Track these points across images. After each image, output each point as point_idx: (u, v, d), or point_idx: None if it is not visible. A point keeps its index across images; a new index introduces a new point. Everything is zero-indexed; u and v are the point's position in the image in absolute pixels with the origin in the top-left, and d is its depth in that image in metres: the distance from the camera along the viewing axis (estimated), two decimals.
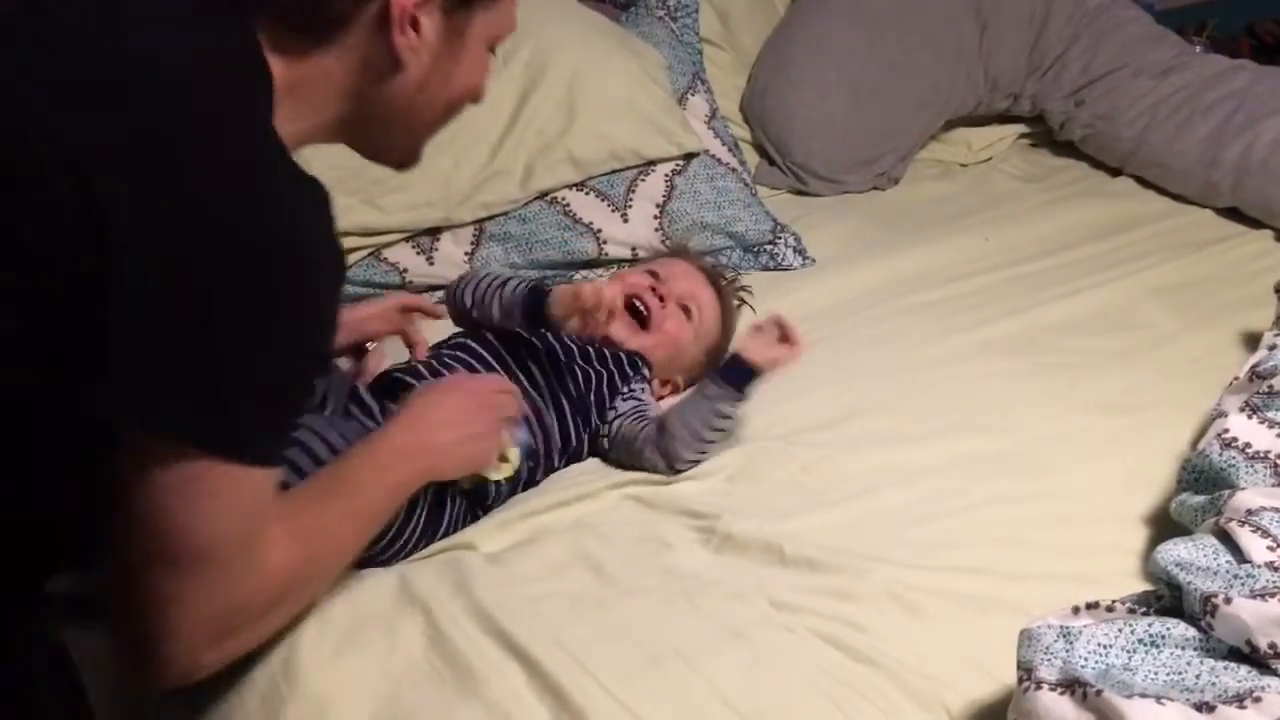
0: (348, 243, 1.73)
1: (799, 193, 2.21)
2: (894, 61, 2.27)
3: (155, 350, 0.85)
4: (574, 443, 1.41)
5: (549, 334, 1.45)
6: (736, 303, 1.63)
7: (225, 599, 0.94)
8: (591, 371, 1.44)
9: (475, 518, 1.30)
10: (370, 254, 1.77)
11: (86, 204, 0.82)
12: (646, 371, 1.50)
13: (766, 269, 1.93)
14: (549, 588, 1.20)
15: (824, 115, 2.22)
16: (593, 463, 1.42)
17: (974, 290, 1.85)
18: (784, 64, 2.26)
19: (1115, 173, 2.28)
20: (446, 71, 1.04)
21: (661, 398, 1.54)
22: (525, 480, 1.35)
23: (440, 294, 1.81)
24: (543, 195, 1.85)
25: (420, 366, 1.38)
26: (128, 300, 0.83)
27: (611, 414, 1.43)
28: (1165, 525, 1.27)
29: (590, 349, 1.46)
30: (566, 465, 1.41)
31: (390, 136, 1.09)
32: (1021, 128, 2.43)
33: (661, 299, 1.53)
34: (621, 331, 1.50)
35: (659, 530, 1.30)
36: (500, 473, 1.29)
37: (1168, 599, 1.03)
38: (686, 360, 1.56)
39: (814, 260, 1.95)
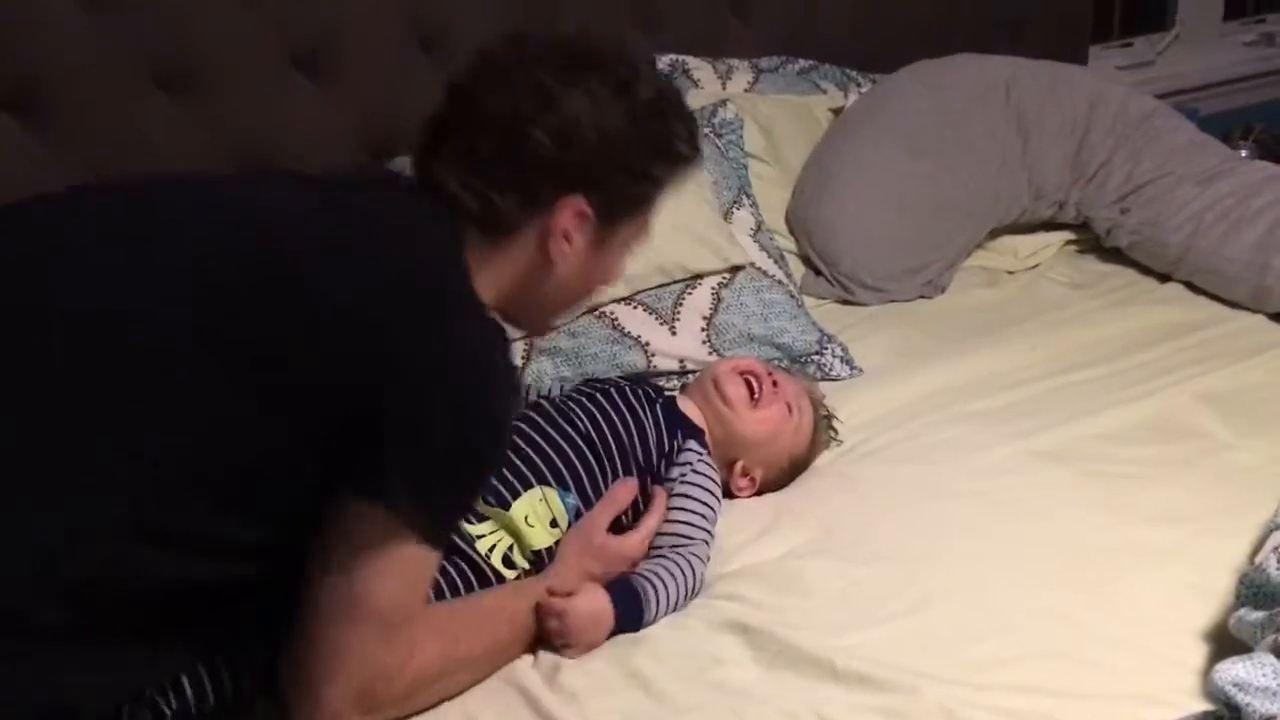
0: None
1: (845, 303, 2.22)
2: (937, 172, 2.30)
3: (396, 451, 1.09)
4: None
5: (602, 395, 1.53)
6: (827, 436, 1.68)
7: (382, 660, 1.12)
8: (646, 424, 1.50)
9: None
10: None
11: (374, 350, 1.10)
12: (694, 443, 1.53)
13: (814, 380, 1.94)
14: (601, 705, 1.20)
15: (869, 226, 2.25)
16: None
17: (1022, 399, 1.84)
18: (828, 176, 2.29)
19: (1164, 278, 2.27)
20: (588, 272, 1.31)
21: (739, 489, 1.59)
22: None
23: None
24: (591, 310, 1.88)
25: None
26: (385, 417, 1.08)
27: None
28: (1224, 640, 1.24)
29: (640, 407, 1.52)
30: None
31: (534, 316, 1.36)
32: (1068, 234, 2.43)
33: (775, 385, 1.60)
34: (738, 393, 1.58)
35: (708, 644, 1.29)
36: (550, 540, 1.37)
37: (1228, 719, 1.02)
38: (775, 454, 1.60)
39: (861, 370, 1.96)
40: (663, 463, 1.49)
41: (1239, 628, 1.22)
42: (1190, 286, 2.23)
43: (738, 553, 1.47)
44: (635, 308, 1.90)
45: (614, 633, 1.31)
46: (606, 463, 1.45)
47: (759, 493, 1.61)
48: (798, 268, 2.23)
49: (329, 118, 2.00)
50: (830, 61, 2.55)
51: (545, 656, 1.27)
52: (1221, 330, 2.06)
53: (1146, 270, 2.30)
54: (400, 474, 1.09)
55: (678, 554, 1.40)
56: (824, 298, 2.22)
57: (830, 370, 1.94)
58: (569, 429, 1.46)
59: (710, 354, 1.90)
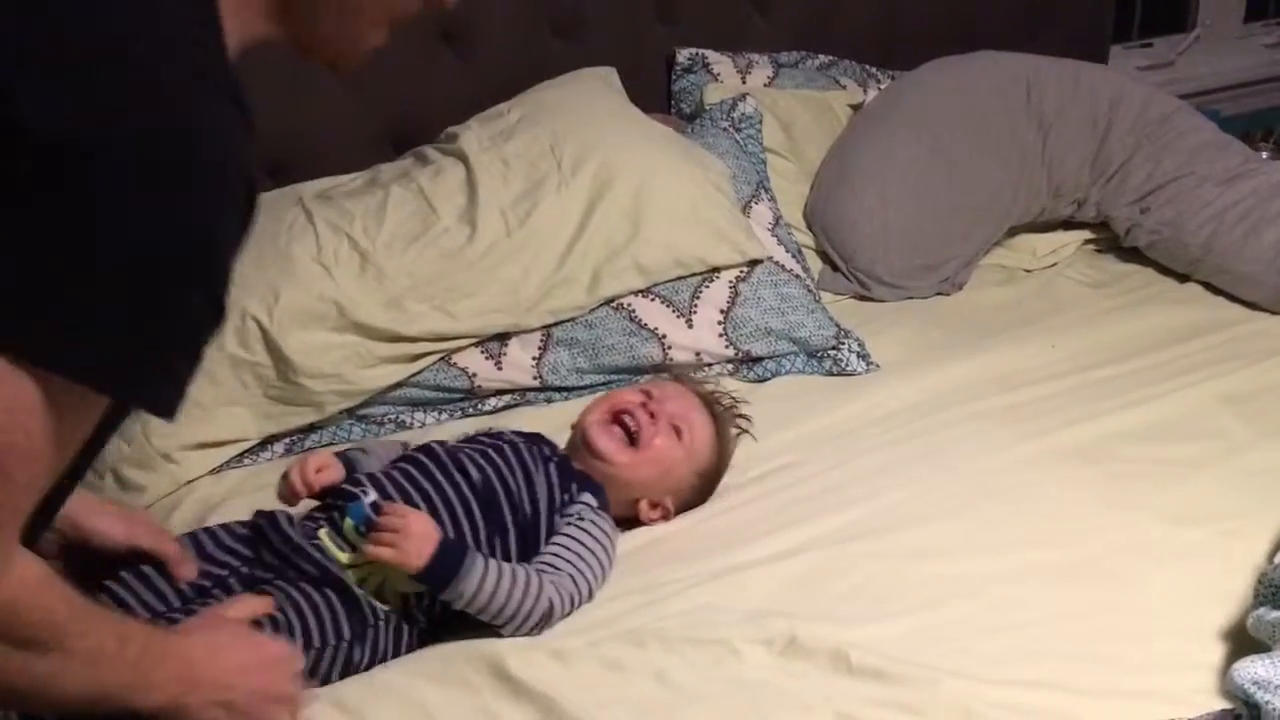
0: (419, 348, 1.77)
1: (862, 298, 2.22)
2: (956, 169, 2.30)
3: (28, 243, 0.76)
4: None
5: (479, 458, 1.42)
6: (736, 431, 1.61)
7: None
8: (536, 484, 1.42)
9: (411, 645, 1.30)
10: (440, 359, 1.80)
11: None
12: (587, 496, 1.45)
13: (831, 375, 1.94)
14: (614, 694, 1.20)
15: (887, 222, 2.24)
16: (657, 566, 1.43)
17: (1040, 397, 1.83)
18: (847, 172, 2.29)
19: (1183, 279, 2.26)
20: None
21: (651, 520, 1.52)
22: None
23: (506, 398, 1.85)
24: (609, 302, 1.88)
25: (365, 477, 1.38)
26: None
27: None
28: (1242, 640, 1.24)
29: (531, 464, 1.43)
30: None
31: (324, 22, 0.96)
32: (1087, 233, 2.42)
33: (652, 415, 1.51)
34: (609, 445, 1.49)
35: (723, 636, 1.29)
36: (414, 586, 1.28)
37: (1246, 718, 1.01)
38: (675, 481, 1.52)
39: (878, 366, 1.95)
40: (554, 517, 1.41)
41: (1258, 627, 1.22)
42: (1209, 287, 2.22)
43: (752, 546, 1.47)
44: (652, 300, 1.90)
45: (429, 570, 1.25)
46: (494, 513, 1.38)
47: (679, 512, 1.54)
48: (815, 263, 2.23)
49: (352, 110, 2.00)
50: (850, 57, 2.55)
51: (555, 644, 1.27)
52: (1241, 331, 2.06)
53: (1165, 270, 2.29)
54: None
55: (529, 566, 1.33)
56: (841, 293, 2.21)
57: (847, 365, 1.94)
58: (458, 476, 1.38)
59: (727, 347, 1.90)
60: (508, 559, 1.35)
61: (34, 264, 0.76)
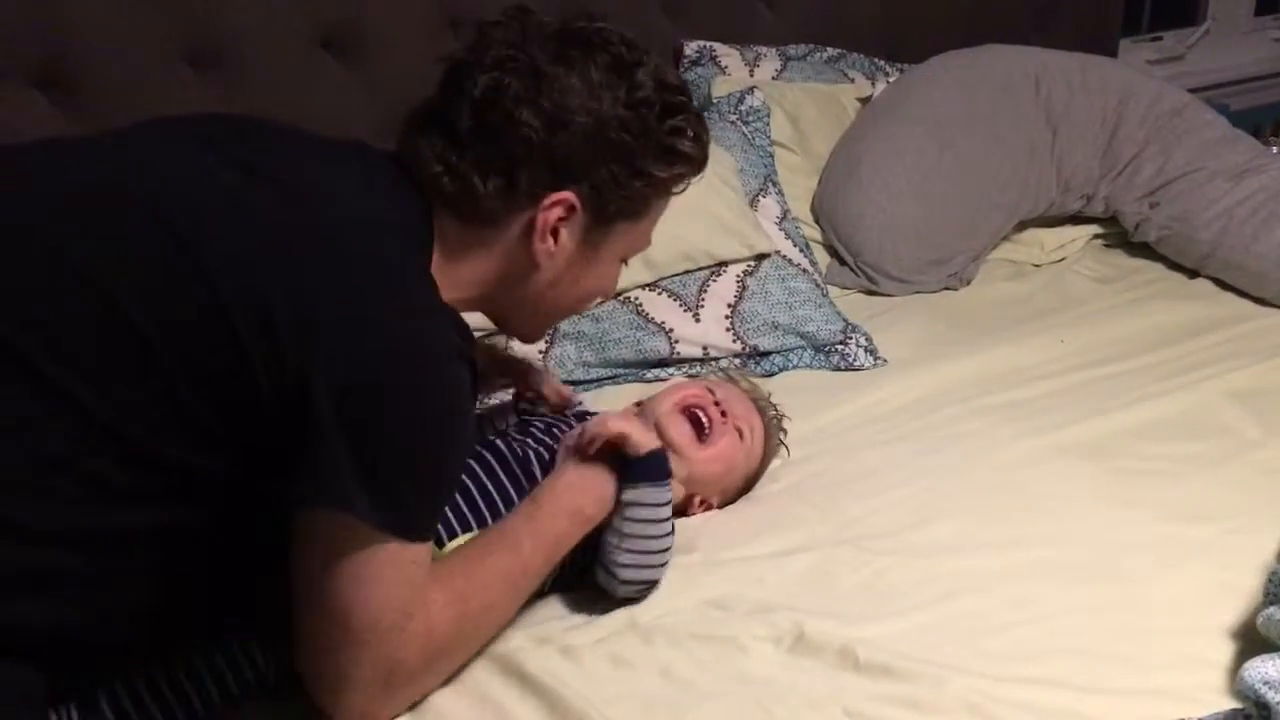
0: None
1: (870, 293, 2.21)
2: (965, 163, 2.29)
3: (343, 453, 1.02)
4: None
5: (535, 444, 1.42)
6: (776, 442, 1.59)
7: (390, 660, 1.09)
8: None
9: None
10: None
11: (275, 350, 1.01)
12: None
13: (838, 369, 1.93)
14: (620, 691, 1.20)
15: (895, 216, 2.23)
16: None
17: (1049, 393, 1.83)
18: (854, 166, 2.28)
19: (1193, 274, 2.26)
20: (578, 276, 1.22)
21: (694, 513, 1.50)
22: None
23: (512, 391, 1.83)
24: (616, 295, 1.87)
25: None
26: (320, 416, 1.01)
27: None
28: (1252, 639, 1.23)
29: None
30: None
31: (520, 319, 1.30)
32: (1096, 228, 2.42)
33: (724, 414, 1.49)
34: (681, 438, 1.45)
35: (729, 633, 1.29)
36: None
37: (1256, 718, 1.01)
38: (731, 481, 1.52)
39: (886, 360, 1.95)
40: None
41: (1267, 626, 1.21)
42: (1219, 283, 2.22)
43: (759, 542, 1.46)
44: (660, 294, 1.90)
45: (654, 457, 1.32)
46: None
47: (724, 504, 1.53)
48: (823, 257, 2.23)
49: (356, 98, 1.99)
50: (858, 50, 2.54)
51: (564, 643, 1.27)
52: (1251, 327, 2.05)
53: (1175, 265, 2.29)
54: (350, 474, 1.02)
55: None
56: (849, 288, 2.21)
57: (854, 360, 1.94)
58: (520, 473, 1.36)
59: (734, 341, 1.90)
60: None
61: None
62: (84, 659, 1.07)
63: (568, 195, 1.15)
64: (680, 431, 1.46)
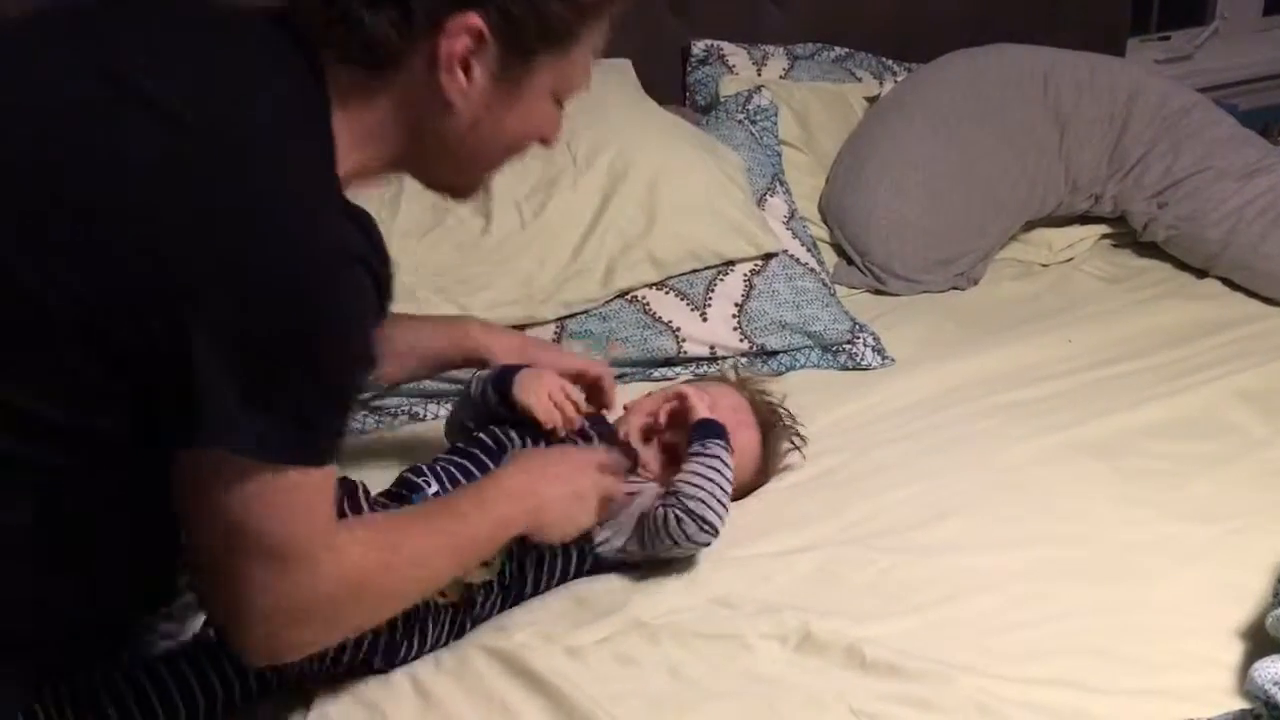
0: None
1: (878, 292, 2.21)
2: (972, 163, 2.28)
3: (227, 379, 0.93)
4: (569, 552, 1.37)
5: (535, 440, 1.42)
6: (788, 447, 1.58)
7: (299, 590, 1.02)
8: None
9: (462, 629, 1.29)
10: None
11: (163, 274, 0.92)
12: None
13: (845, 369, 1.93)
14: (626, 689, 1.20)
15: (902, 215, 2.23)
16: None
17: (1057, 392, 1.82)
18: (862, 165, 2.28)
19: (1201, 274, 2.25)
20: (500, 116, 1.07)
21: None
22: (515, 593, 1.33)
23: None
24: (623, 294, 1.87)
25: (425, 468, 1.37)
26: (205, 348, 0.92)
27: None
28: (1261, 639, 1.23)
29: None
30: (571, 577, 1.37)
31: (443, 171, 1.14)
32: (1104, 228, 2.41)
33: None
34: (650, 460, 1.46)
35: (737, 631, 1.29)
36: (481, 576, 1.27)
37: (1266, 719, 1.00)
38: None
39: (893, 360, 1.94)
40: None
41: (1276, 626, 1.21)
42: (1227, 283, 2.21)
43: (765, 540, 1.46)
44: (667, 293, 1.90)
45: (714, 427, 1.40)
46: None
47: None
48: (830, 256, 2.22)
49: None
50: (866, 49, 2.54)
51: (570, 641, 1.27)
52: (1259, 327, 2.04)
53: (1183, 265, 2.28)
54: (235, 400, 0.93)
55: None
56: (856, 287, 2.20)
57: (862, 359, 1.93)
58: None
59: (741, 340, 1.89)
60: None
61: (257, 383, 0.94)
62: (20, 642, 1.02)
63: (472, 19, 1.01)
64: (646, 455, 1.47)
